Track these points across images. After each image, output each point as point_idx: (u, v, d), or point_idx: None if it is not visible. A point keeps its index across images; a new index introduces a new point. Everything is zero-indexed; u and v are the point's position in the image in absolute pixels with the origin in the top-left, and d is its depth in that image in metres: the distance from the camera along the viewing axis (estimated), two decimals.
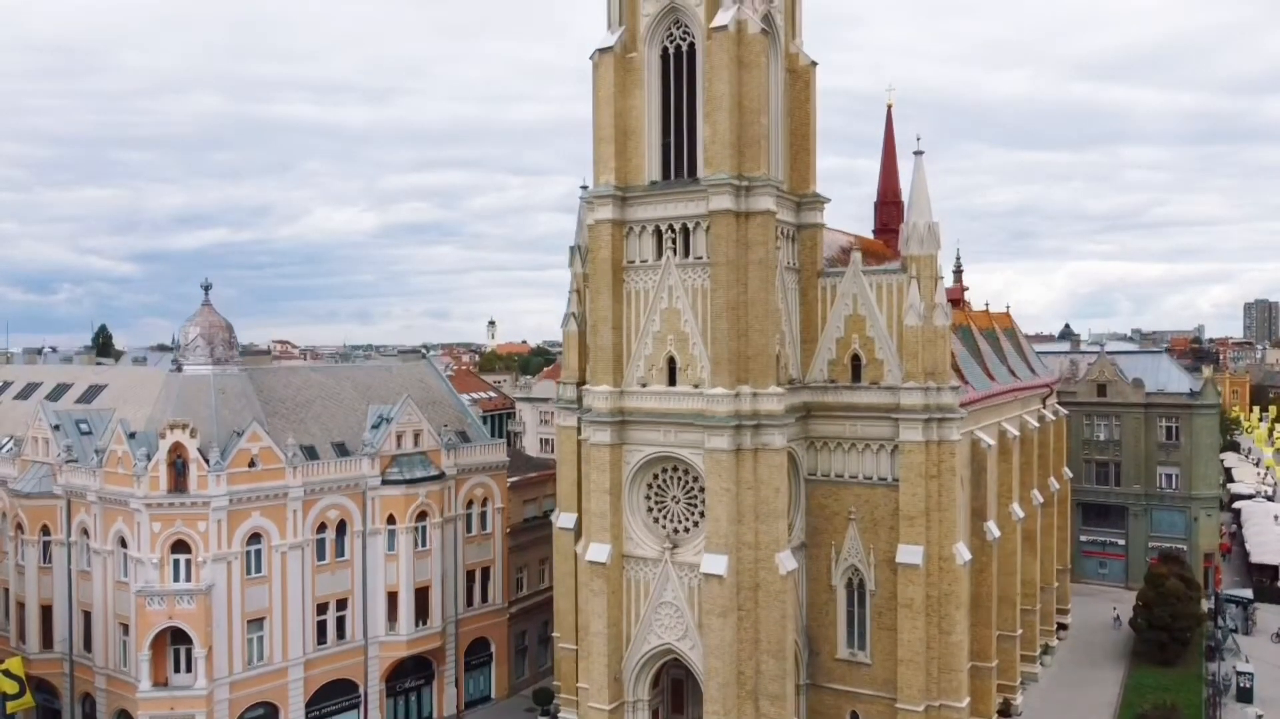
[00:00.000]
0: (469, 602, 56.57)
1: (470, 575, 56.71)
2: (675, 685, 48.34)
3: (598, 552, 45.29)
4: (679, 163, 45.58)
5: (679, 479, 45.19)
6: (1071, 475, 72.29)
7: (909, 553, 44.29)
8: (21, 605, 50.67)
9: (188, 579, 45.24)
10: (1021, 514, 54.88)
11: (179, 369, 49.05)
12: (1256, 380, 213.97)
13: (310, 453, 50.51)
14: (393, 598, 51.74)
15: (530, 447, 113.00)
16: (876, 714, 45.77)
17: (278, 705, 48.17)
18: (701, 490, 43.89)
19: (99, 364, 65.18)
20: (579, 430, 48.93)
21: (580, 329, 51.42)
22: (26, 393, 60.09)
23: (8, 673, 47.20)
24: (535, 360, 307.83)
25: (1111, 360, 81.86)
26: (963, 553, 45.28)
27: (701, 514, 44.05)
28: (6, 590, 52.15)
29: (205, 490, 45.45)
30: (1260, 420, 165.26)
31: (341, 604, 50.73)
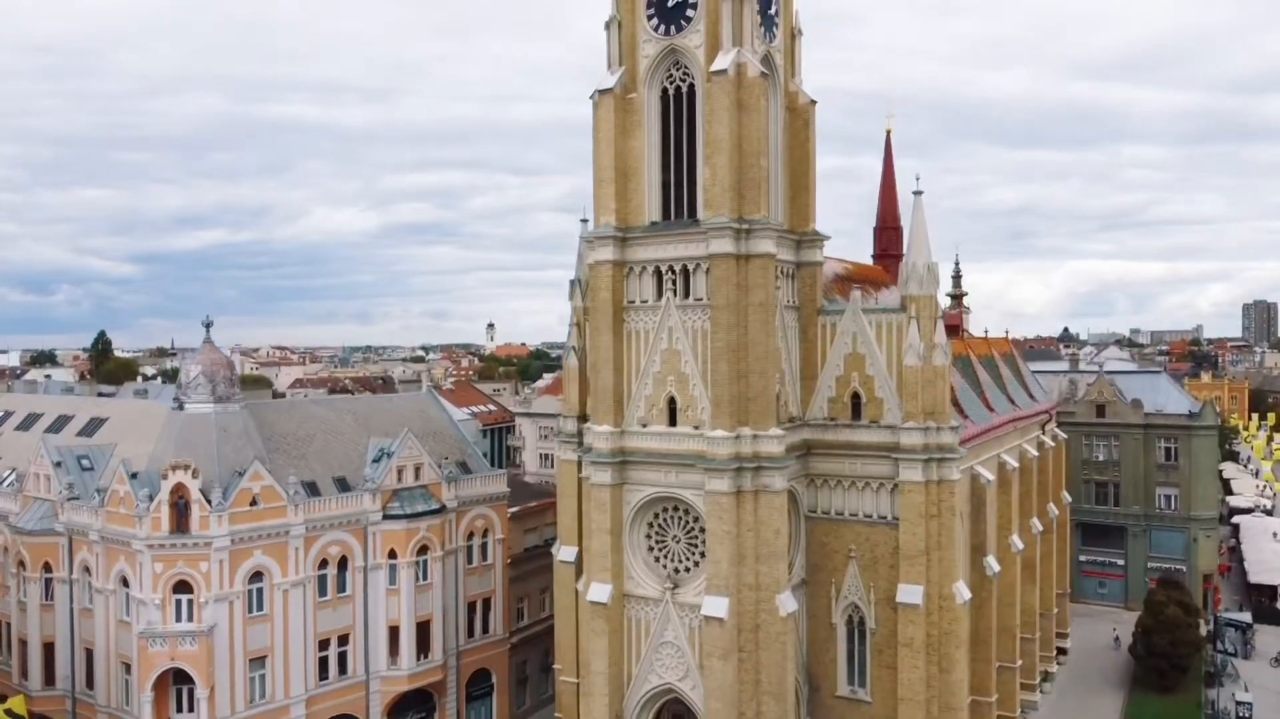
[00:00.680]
0: (470, 633, 56.68)
1: (471, 607, 56.82)
2: None
3: (599, 592, 45.43)
4: (679, 203, 45.74)
5: (679, 519, 45.34)
6: (1070, 499, 72.46)
7: (909, 593, 44.42)
8: (24, 642, 50.78)
9: (190, 619, 45.33)
10: (1021, 545, 55.06)
11: (180, 407, 49.12)
12: (1255, 385, 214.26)
13: (312, 489, 50.59)
14: (394, 632, 51.83)
15: (530, 462, 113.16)
16: None
17: None
18: (702, 530, 44.04)
19: (100, 395, 65.23)
20: (579, 466, 49.07)
21: (580, 363, 51.51)
22: (27, 424, 60.20)
23: (10, 712, 47.34)
24: (535, 364, 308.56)
25: (1110, 380, 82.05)
26: (963, 592, 45.41)
27: (702, 554, 44.20)
28: (8, 627, 52.27)
29: (207, 531, 45.55)
30: (1259, 429, 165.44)
31: (343, 640, 50.81)
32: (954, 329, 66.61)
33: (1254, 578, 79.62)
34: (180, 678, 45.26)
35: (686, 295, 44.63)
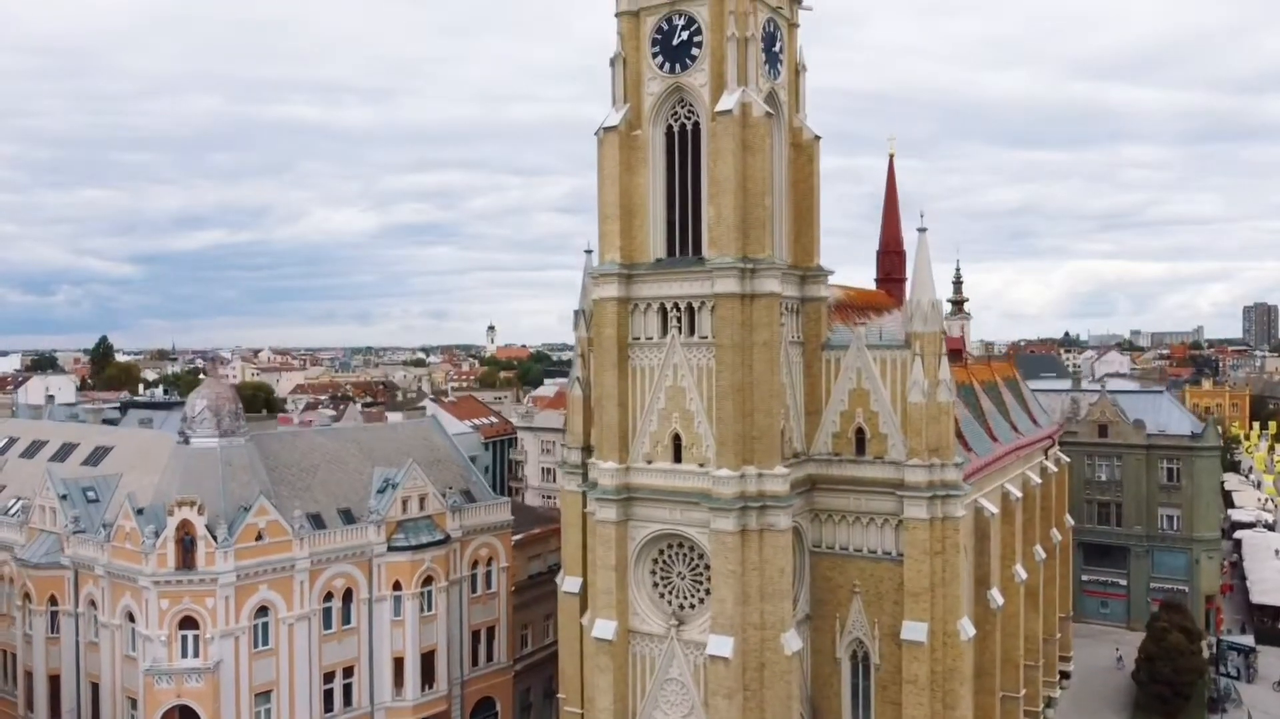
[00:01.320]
0: (474, 662, 56.82)
1: (475, 635, 56.95)
2: None
3: (604, 628, 45.51)
4: (684, 240, 45.81)
5: (684, 555, 45.42)
6: (1073, 522, 72.52)
7: (913, 630, 44.49)
8: (29, 675, 50.93)
9: (196, 656, 45.48)
10: (1024, 575, 55.16)
11: (186, 441, 49.22)
12: (1257, 391, 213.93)
13: (317, 521, 50.70)
14: (399, 664, 51.98)
15: (533, 476, 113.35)
16: None
17: None
18: (707, 567, 44.13)
19: (105, 422, 65.35)
20: (584, 498, 49.10)
21: (585, 394, 51.56)
22: (32, 451, 60.32)
23: None
24: (535, 368, 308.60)
25: (1113, 400, 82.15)
26: (967, 629, 45.53)
27: (707, 591, 44.28)
28: (13, 658, 52.39)
29: (213, 567, 45.70)
30: (1260, 438, 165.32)
31: (348, 672, 50.97)
32: (956, 354, 66.70)
33: (1257, 598, 79.72)
34: (186, 714, 45.36)
35: (691, 333, 44.69)
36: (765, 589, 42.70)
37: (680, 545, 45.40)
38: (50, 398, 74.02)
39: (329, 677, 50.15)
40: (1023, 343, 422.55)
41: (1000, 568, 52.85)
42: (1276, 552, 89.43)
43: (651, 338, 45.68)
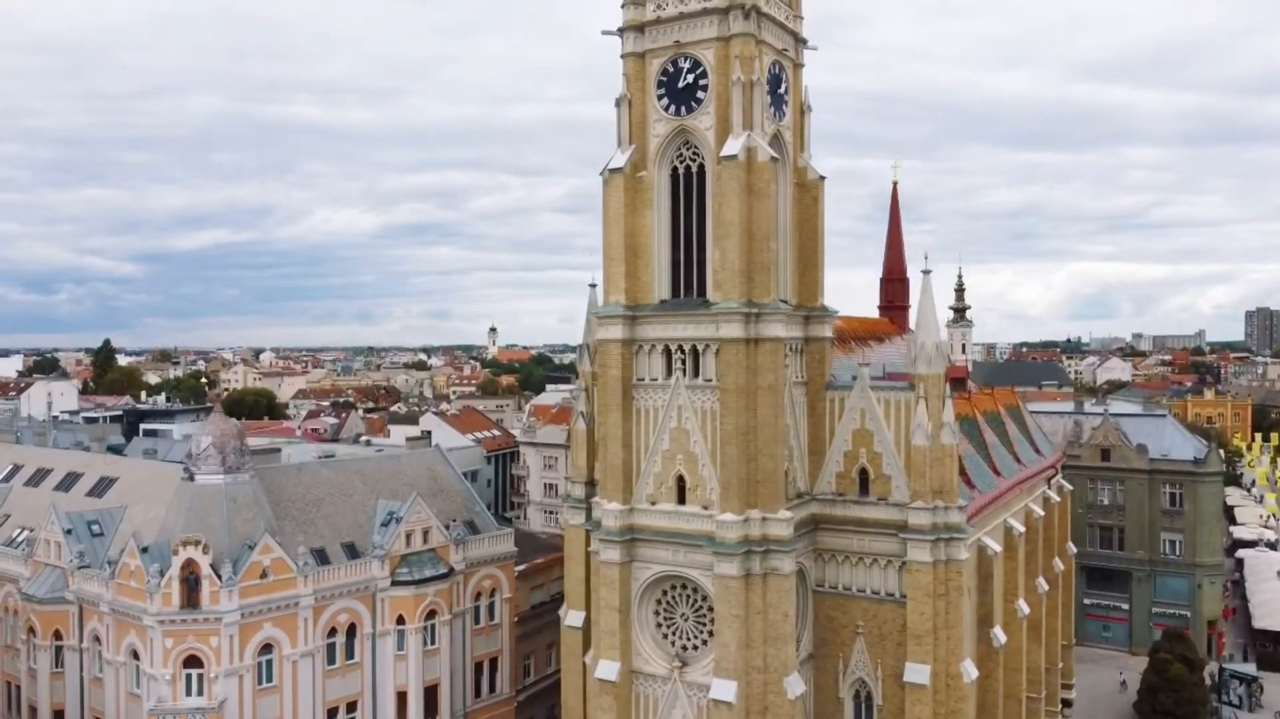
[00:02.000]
0: (477, 693, 56.94)
1: (479, 667, 57.06)
2: None
3: (607, 669, 45.60)
4: (688, 281, 45.87)
5: (688, 597, 45.49)
6: (1075, 550, 72.46)
7: (916, 672, 44.52)
8: (34, 709, 51.05)
9: (200, 694, 45.59)
10: (1027, 610, 55.15)
11: (191, 478, 49.30)
12: (1259, 400, 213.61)
13: (321, 556, 50.81)
14: (402, 698, 52.09)
15: (535, 491, 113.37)
16: None
17: None
18: (710, 609, 44.23)
19: (109, 449, 65.52)
20: (588, 539, 49.14)
21: (589, 428, 51.64)
22: (36, 479, 60.46)
23: None
24: (537, 372, 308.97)
25: (1115, 424, 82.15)
26: (970, 671, 45.59)
27: (710, 632, 44.39)
28: (18, 691, 52.51)
29: (218, 606, 45.80)
30: (1263, 451, 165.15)
31: (351, 708, 51.11)
32: (960, 382, 66.83)
33: (1259, 623, 79.74)
34: None
35: (696, 375, 44.76)
36: (769, 633, 42.80)
37: (684, 587, 45.47)
38: (55, 417, 73.93)
39: (333, 713, 50.28)
40: (1024, 348, 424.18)
41: (1003, 604, 52.81)
42: (1279, 573, 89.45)
43: (656, 379, 45.76)
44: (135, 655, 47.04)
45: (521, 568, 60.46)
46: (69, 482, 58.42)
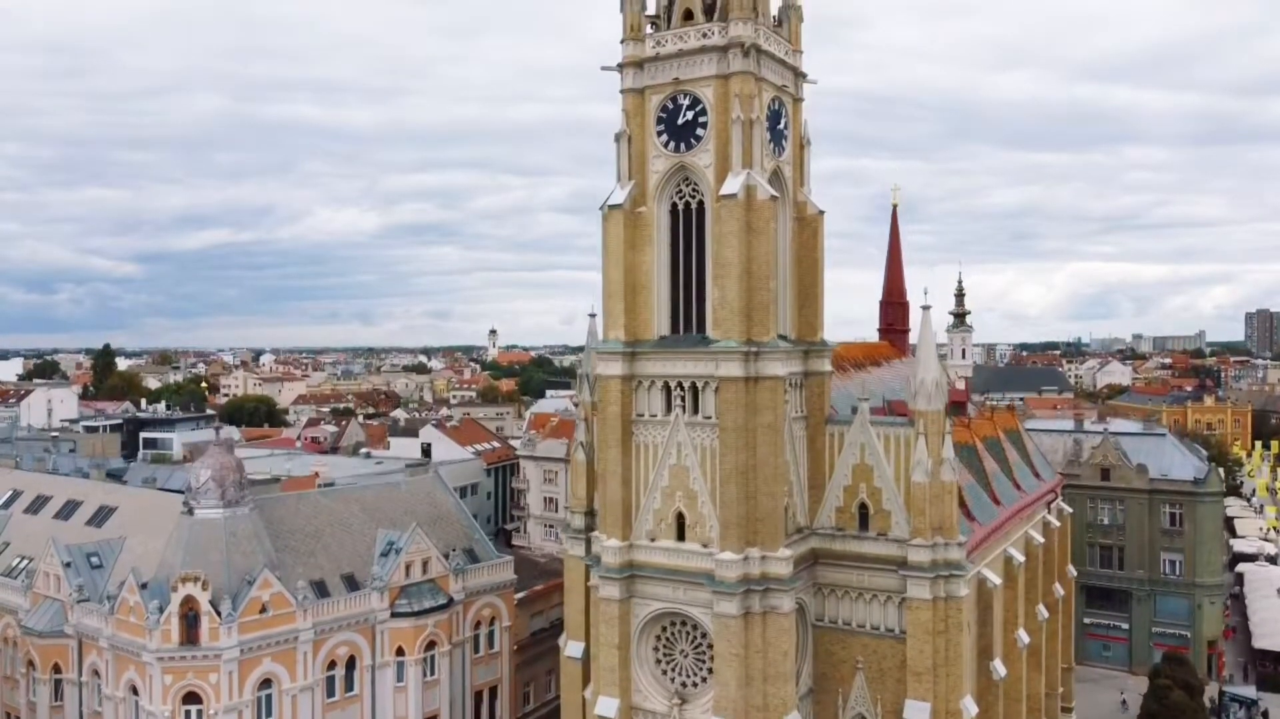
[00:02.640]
0: None
1: (478, 696, 57.01)
2: None
3: (606, 706, 45.56)
4: (688, 318, 45.83)
5: (687, 633, 45.45)
6: (1075, 573, 72.39)
7: (916, 709, 44.46)
8: None
9: None
10: (1027, 639, 55.13)
11: (190, 512, 49.25)
12: (1259, 406, 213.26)
13: (320, 589, 50.77)
14: None
15: (535, 504, 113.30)
16: None
17: None
18: (709, 646, 44.20)
19: (109, 475, 65.48)
20: (588, 573, 49.11)
21: (588, 459, 51.64)
22: (36, 507, 60.46)
23: None
24: (537, 376, 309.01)
25: (1115, 443, 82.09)
26: (970, 707, 45.59)
27: (709, 669, 44.35)
28: None
29: (217, 642, 45.76)
30: (1263, 460, 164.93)
31: None
32: (960, 406, 66.78)
33: (1259, 643, 79.59)
34: None
35: (695, 412, 44.71)
36: (768, 671, 42.75)
37: (683, 624, 45.43)
38: (55, 438, 74.01)
39: None
40: (1024, 352, 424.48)
41: (1003, 635, 52.82)
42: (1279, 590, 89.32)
43: (655, 415, 45.72)
44: (134, 691, 47.00)
45: (521, 595, 60.45)
46: (68, 510, 58.40)
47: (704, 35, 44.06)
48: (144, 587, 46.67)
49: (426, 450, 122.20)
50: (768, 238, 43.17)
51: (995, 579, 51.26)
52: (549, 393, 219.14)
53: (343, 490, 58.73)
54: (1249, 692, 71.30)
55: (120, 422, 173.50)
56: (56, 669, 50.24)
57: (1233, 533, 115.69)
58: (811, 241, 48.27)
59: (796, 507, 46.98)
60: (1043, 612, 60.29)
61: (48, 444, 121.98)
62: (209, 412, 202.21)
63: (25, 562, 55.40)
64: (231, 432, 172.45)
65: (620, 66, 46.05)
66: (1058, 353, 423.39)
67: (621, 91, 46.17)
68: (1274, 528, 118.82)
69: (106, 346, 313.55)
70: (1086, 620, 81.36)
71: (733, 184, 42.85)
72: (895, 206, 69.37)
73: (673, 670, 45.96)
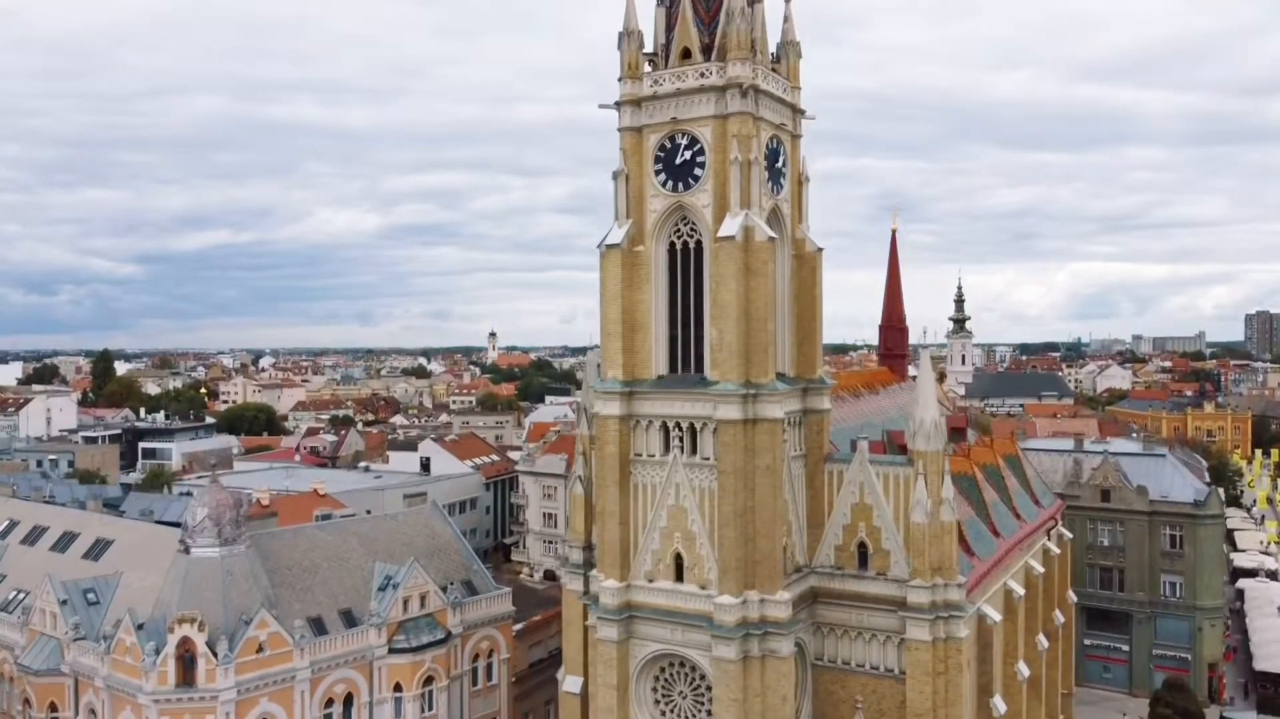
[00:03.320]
0: None
1: None
2: None
3: None
4: (686, 357, 45.68)
5: (686, 675, 45.27)
6: (1076, 599, 72.17)
7: None
8: None
9: None
10: (1027, 673, 54.93)
11: (187, 550, 49.05)
12: (1259, 411, 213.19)
13: (318, 626, 50.56)
14: None
15: (534, 520, 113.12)
16: None
17: None
18: (709, 688, 44.02)
19: (106, 505, 65.29)
20: (585, 613, 48.90)
21: (586, 493, 51.43)
22: (33, 538, 60.23)
23: None
24: (537, 380, 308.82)
25: (1115, 464, 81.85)
26: None
27: (708, 712, 44.16)
28: None
29: (214, 684, 45.56)
30: (1263, 468, 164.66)
31: None
32: (959, 432, 66.61)
33: (1260, 664, 79.30)
34: None
35: (694, 452, 44.54)
36: (767, 715, 42.58)
37: (682, 665, 45.26)
38: (53, 463, 73.85)
39: None
40: (1023, 355, 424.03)
41: (1003, 669, 52.63)
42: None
43: (654, 455, 45.55)
44: None
45: (519, 627, 60.20)
46: (65, 542, 58.17)
47: (702, 75, 43.87)
48: (140, 627, 46.47)
49: (426, 465, 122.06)
50: (766, 279, 42.98)
51: (995, 615, 51.04)
52: (549, 399, 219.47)
53: (340, 524, 58.53)
54: (1249, 716, 71.13)
55: (119, 432, 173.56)
56: (53, 708, 49.99)
57: (1233, 546, 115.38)
58: (810, 279, 48.07)
59: (795, 546, 46.82)
60: (1043, 641, 60.06)
61: (45, 461, 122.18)
62: (208, 420, 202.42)
63: (22, 595, 55.20)
64: (230, 441, 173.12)
65: (618, 105, 45.86)
66: (1057, 355, 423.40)
67: (619, 130, 45.97)
68: (1275, 542, 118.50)
69: (105, 352, 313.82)
70: (1087, 642, 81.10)
71: (731, 226, 42.64)
72: (894, 232, 69.43)
73: (671, 712, 45.77)
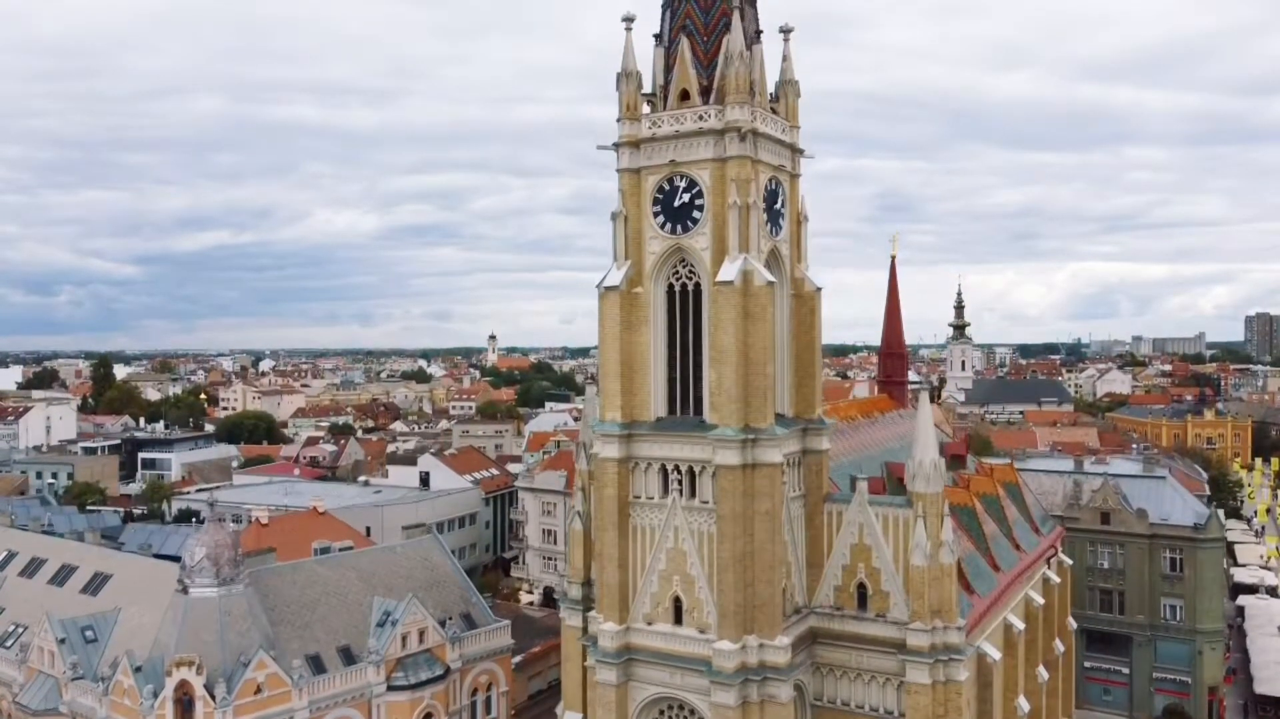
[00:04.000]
0: None
1: None
2: None
3: None
4: (685, 399, 45.59)
5: (685, 718, 45.17)
6: (1075, 626, 72.05)
7: None
8: None
9: None
10: (1027, 708, 54.85)
11: (185, 590, 48.94)
12: (1259, 418, 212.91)
13: (316, 664, 50.43)
14: None
15: (533, 536, 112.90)
16: None
17: None
18: None
19: (104, 537, 65.19)
20: (584, 654, 48.79)
21: (585, 528, 51.33)
22: (31, 570, 60.14)
23: None
24: (537, 384, 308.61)
25: (1115, 486, 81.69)
26: None
27: None
28: None
29: None
30: (1263, 477, 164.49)
31: None
32: (959, 459, 66.51)
33: (1260, 688, 79.15)
34: None
35: (693, 495, 44.46)
36: None
37: (681, 708, 45.16)
38: (53, 490, 73.63)
39: None
40: (1023, 359, 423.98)
41: (1003, 706, 52.52)
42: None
43: (653, 497, 45.46)
44: None
45: (519, 659, 60.13)
46: (63, 575, 58.09)
47: (700, 118, 43.75)
48: (138, 669, 46.35)
49: (425, 479, 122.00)
50: (765, 323, 42.86)
51: (995, 654, 50.96)
52: (549, 405, 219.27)
53: (338, 558, 58.35)
54: None
55: (119, 442, 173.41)
56: None
57: (1233, 559, 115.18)
58: (809, 319, 47.92)
59: (794, 587, 46.71)
60: (1043, 673, 60.01)
61: (44, 474, 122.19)
62: (208, 428, 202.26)
63: (20, 629, 55.11)
64: (230, 450, 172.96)
65: (616, 146, 45.75)
66: (1057, 358, 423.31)
67: (618, 171, 45.88)
68: (1275, 557, 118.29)
69: (105, 357, 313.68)
70: (1087, 664, 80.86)
71: (729, 270, 42.53)
72: (894, 258, 69.08)
73: None
